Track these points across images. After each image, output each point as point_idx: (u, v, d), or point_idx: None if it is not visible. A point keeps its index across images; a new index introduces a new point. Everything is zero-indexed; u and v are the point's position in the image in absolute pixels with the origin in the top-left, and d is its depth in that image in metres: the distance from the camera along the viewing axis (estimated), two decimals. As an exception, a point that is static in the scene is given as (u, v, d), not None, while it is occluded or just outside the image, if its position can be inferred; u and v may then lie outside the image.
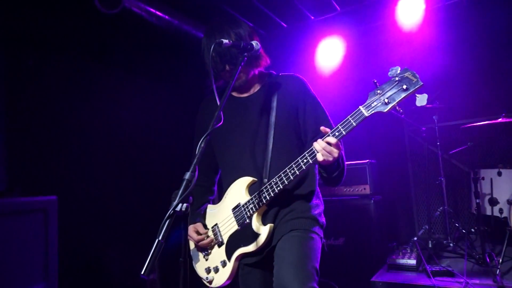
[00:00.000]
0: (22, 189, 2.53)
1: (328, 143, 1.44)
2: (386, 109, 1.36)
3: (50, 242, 2.33)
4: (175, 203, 1.12)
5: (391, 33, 4.47)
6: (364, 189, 3.99)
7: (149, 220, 2.46)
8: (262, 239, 1.56)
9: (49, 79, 3.17)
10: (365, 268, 3.55)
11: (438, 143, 4.08)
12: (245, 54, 1.57)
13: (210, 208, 1.84)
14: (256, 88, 1.81)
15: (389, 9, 4.22)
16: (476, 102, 4.30)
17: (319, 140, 1.46)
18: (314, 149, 1.47)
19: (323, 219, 1.75)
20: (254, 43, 1.60)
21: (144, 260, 1.04)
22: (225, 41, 1.52)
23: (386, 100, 1.35)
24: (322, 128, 1.48)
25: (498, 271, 3.06)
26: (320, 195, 1.81)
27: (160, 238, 1.07)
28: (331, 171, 1.58)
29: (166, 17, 3.35)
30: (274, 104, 1.71)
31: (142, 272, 1.04)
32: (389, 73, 1.37)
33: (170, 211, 1.10)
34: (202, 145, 1.27)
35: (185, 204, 1.12)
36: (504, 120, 3.50)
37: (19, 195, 2.45)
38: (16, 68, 2.88)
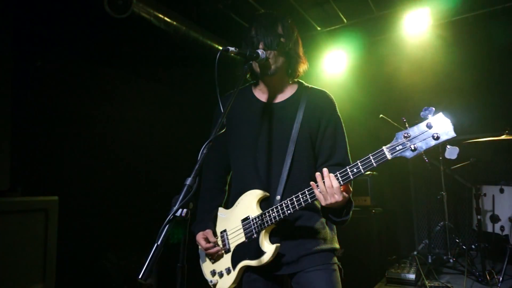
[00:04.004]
0: (23, 189, 2.54)
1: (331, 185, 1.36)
2: (411, 155, 1.26)
3: (50, 243, 2.34)
4: (175, 208, 1.12)
5: (396, 47, 4.50)
6: (365, 201, 3.98)
7: (149, 224, 2.46)
8: (266, 257, 1.54)
9: (55, 81, 3.20)
10: (364, 280, 3.53)
11: (440, 158, 4.07)
12: (251, 62, 1.57)
13: (221, 212, 1.80)
14: (284, 96, 1.74)
15: (395, 23, 4.25)
16: (479, 118, 4.30)
17: (319, 180, 1.39)
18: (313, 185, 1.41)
19: (337, 242, 1.73)
20: (259, 51, 1.59)
21: (142, 264, 1.05)
22: (231, 48, 1.53)
23: (413, 147, 1.25)
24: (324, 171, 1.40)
25: (498, 289, 3.03)
26: None
27: (158, 242, 1.07)
28: (336, 215, 1.52)
29: (174, 23, 3.39)
30: (300, 117, 1.65)
31: (140, 276, 1.03)
32: (421, 113, 1.25)
33: (170, 216, 1.10)
34: (205, 151, 1.26)
35: (185, 210, 1.12)
36: (508, 137, 3.49)
37: (21, 194, 2.46)
38: (22, 70, 2.91)
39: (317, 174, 1.41)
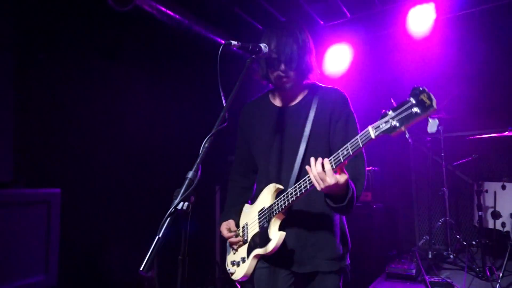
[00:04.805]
0: (26, 181, 2.55)
1: (322, 168, 1.39)
2: (392, 132, 1.24)
3: (52, 235, 2.35)
4: (176, 201, 1.12)
5: (400, 41, 4.47)
6: (366, 196, 3.98)
7: (151, 217, 2.48)
8: (271, 245, 1.61)
9: (58, 74, 3.20)
10: (364, 275, 3.54)
11: (442, 154, 4.07)
12: (253, 56, 1.58)
13: (246, 207, 1.92)
14: (298, 98, 1.82)
15: (399, 17, 4.21)
16: (483, 114, 4.28)
17: (312, 165, 1.42)
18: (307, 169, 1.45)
19: (349, 244, 1.81)
20: (262, 45, 1.60)
21: (144, 257, 1.05)
22: (234, 42, 1.53)
23: (394, 123, 1.23)
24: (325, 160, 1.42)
25: (498, 286, 3.04)
26: None
27: (160, 235, 1.08)
28: (333, 201, 1.52)
29: (177, 16, 3.38)
30: (312, 116, 1.72)
31: (141, 268, 1.04)
32: (410, 93, 1.24)
33: (171, 209, 1.11)
34: (206, 145, 1.28)
35: (186, 203, 1.13)
36: (511, 133, 3.48)
37: (24, 186, 2.47)
38: (25, 62, 2.92)
39: (312, 158, 1.44)
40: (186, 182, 1.17)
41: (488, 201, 3.73)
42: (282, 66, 1.67)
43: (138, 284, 3.43)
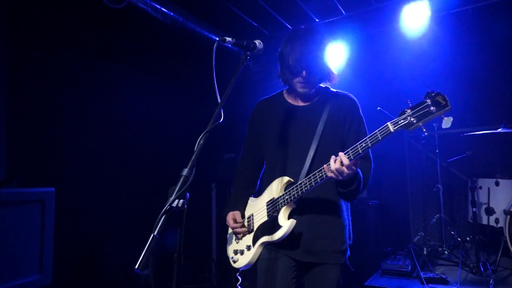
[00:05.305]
0: (20, 180, 2.53)
1: (341, 163, 1.52)
2: (411, 127, 1.45)
3: (46, 234, 2.34)
4: (171, 199, 1.12)
5: (395, 39, 4.48)
6: (361, 193, 4.00)
7: (145, 215, 2.47)
8: (282, 231, 1.67)
9: (51, 72, 3.18)
10: (359, 272, 3.56)
11: (437, 151, 4.09)
12: (248, 53, 1.59)
13: (251, 200, 1.99)
14: (312, 99, 1.89)
15: (394, 15, 4.22)
16: (476, 111, 4.31)
17: (331, 160, 1.55)
18: (324, 167, 1.58)
19: (351, 238, 1.89)
20: (257, 42, 1.61)
21: (139, 255, 1.05)
22: (228, 39, 1.54)
23: (412, 119, 1.44)
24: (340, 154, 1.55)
25: (491, 281, 3.06)
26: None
27: (155, 233, 1.07)
28: (344, 186, 1.66)
29: (171, 13, 3.36)
30: (325, 117, 1.81)
31: (136, 266, 1.04)
32: (424, 95, 1.45)
33: (166, 207, 1.11)
34: (201, 142, 1.28)
35: (181, 200, 1.13)
36: (504, 130, 3.50)
37: (17, 185, 2.45)
38: (18, 61, 2.89)
39: (332, 156, 1.56)
40: (181, 179, 1.17)
41: (482, 197, 3.76)
42: (304, 73, 1.74)
43: (134, 282, 3.42)
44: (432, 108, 1.42)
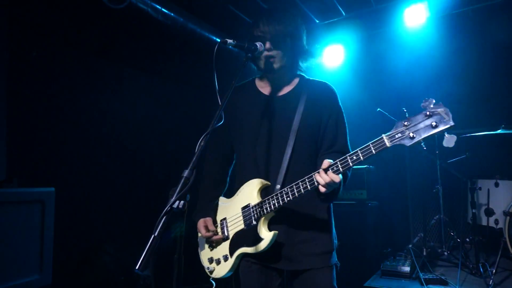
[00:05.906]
0: (20, 180, 2.53)
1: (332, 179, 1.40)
2: (410, 143, 1.28)
3: (46, 234, 2.33)
4: (172, 200, 1.12)
5: (394, 39, 4.49)
6: (361, 194, 4.00)
7: (146, 216, 2.47)
8: (264, 244, 1.56)
9: (51, 72, 3.18)
10: (359, 273, 3.56)
11: (437, 152, 4.09)
12: (249, 55, 1.58)
13: (222, 201, 1.84)
14: (286, 89, 1.76)
15: (394, 16, 4.23)
16: (476, 112, 4.32)
17: (322, 174, 1.41)
18: (315, 180, 1.44)
19: (336, 239, 1.76)
20: (258, 44, 1.60)
21: (139, 255, 1.05)
22: (229, 40, 1.53)
23: (411, 135, 1.26)
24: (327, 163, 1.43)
25: (491, 282, 3.07)
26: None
27: (156, 234, 1.08)
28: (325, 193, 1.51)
29: (172, 14, 3.36)
30: (301, 109, 1.67)
31: (137, 267, 1.04)
32: (422, 104, 1.28)
33: (167, 208, 1.11)
34: (202, 143, 1.27)
35: (182, 201, 1.13)
36: (503, 131, 3.51)
37: (17, 185, 2.45)
38: (18, 60, 2.89)
39: (321, 170, 1.42)
40: (182, 180, 1.17)
41: (482, 198, 3.76)
42: (268, 44, 1.63)
43: (134, 282, 3.42)
44: (433, 122, 1.24)
